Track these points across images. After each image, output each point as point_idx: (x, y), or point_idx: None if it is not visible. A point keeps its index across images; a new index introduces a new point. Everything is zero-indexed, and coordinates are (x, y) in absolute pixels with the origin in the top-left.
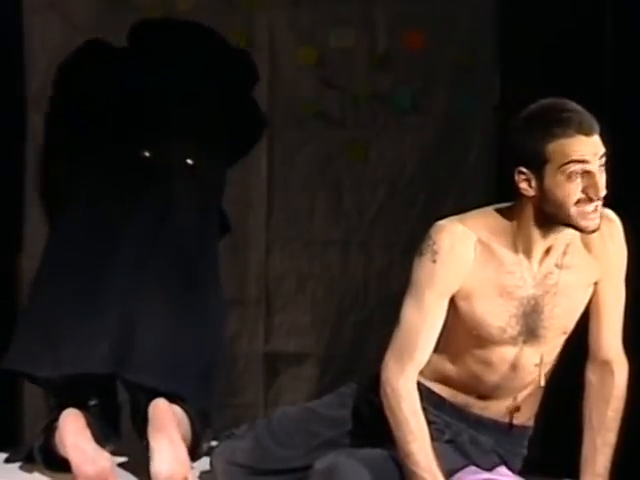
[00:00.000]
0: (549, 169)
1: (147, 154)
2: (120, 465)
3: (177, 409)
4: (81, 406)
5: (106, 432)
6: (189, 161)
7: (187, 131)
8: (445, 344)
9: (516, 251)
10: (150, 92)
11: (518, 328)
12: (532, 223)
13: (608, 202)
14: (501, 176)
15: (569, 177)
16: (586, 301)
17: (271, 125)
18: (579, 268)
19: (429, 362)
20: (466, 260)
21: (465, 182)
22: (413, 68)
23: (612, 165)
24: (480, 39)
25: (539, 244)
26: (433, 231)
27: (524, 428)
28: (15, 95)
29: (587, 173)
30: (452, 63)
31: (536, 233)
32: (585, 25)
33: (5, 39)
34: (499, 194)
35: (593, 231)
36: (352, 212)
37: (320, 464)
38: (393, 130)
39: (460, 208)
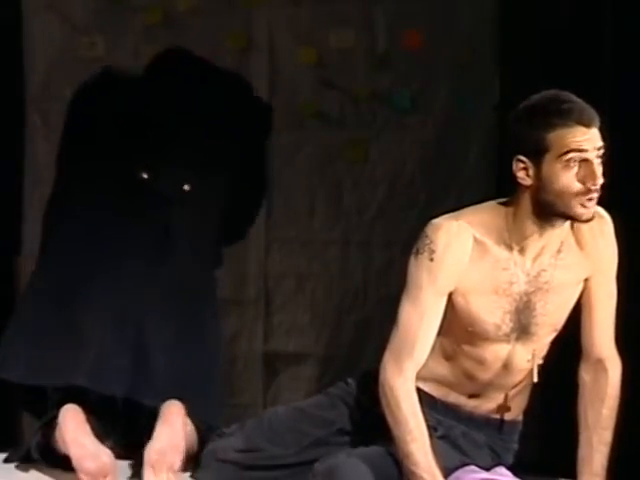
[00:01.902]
0: (548, 158)
1: (145, 176)
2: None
3: (188, 420)
4: (80, 402)
5: (105, 428)
6: (186, 187)
7: (187, 158)
8: (438, 342)
9: (510, 248)
10: (158, 116)
11: (511, 325)
12: (528, 215)
13: (604, 201)
14: (501, 176)
15: (567, 165)
16: (576, 297)
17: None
18: (572, 265)
19: None
20: (463, 257)
21: (465, 182)
22: (413, 68)
23: (610, 166)
24: (480, 39)
25: (533, 241)
26: (429, 229)
27: (514, 423)
28: (14, 95)
29: (585, 162)
30: (451, 63)
31: (531, 227)
32: (584, 25)
33: (5, 39)
34: (499, 194)
35: (587, 220)
36: (352, 212)
37: (320, 465)
38: (393, 130)
39: (460, 208)
